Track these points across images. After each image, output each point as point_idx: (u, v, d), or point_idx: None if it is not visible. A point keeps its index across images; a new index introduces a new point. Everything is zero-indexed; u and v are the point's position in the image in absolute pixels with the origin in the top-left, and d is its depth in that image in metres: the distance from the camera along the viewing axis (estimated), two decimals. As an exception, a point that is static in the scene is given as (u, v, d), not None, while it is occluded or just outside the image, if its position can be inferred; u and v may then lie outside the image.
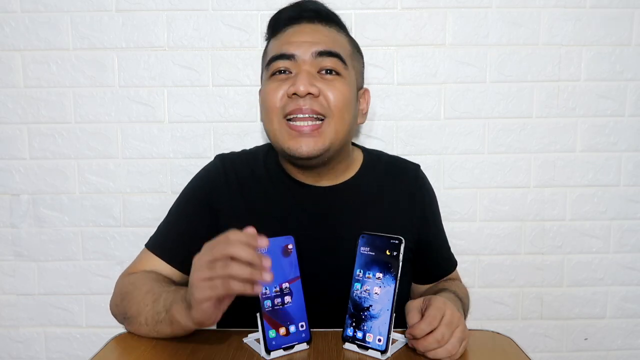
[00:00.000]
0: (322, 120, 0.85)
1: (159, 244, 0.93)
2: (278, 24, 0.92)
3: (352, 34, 1.22)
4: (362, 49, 1.22)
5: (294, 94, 0.83)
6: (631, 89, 1.27)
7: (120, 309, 0.85)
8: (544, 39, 1.25)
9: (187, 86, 1.24)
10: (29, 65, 1.23)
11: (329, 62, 0.86)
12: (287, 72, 0.87)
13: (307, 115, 0.84)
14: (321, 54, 0.85)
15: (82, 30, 1.23)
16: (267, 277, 0.63)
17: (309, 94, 0.83)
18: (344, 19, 1.14)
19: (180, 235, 0.92)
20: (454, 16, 1.24)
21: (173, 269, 0.91)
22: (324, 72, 0.86)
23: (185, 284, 0.92)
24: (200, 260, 0.67)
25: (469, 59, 1.25)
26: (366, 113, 0.99)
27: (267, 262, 0.63)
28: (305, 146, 0.84)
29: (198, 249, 0.91)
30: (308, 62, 0.85)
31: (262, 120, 0.94)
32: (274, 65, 0.87)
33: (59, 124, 1.25)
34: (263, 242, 0.65)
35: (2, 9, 1.22)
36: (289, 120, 0.85)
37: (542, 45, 1.25)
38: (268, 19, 0.93)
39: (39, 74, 1.24)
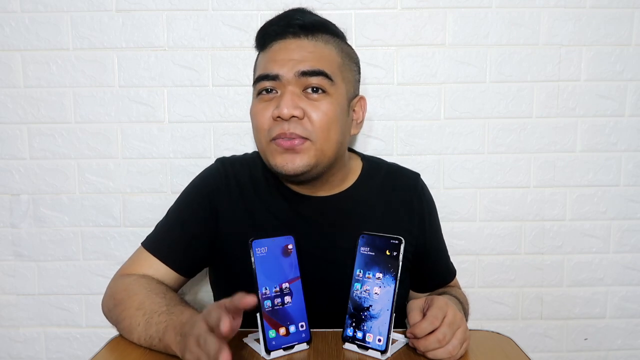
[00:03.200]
0: (307, 139, 0.84)
1: (156, 245, 0.92)
2: (264, 38, 0.90)
3: (352, 34, 1.22)
4: (362, 49, 1.23)
5: (279, 117, 0.83)
6: (631, 89, 1.27)
7: (112, 316, 0.85)
8: (544, 39, 1.25)
9: (187, 86, 1.24)
10: (29, 65, 1.23)
11: (314, 81, 0.85)
12: (273, 91, 0.86)
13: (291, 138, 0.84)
14: (305, 73, 0.84)
15: (82, 30, 1.23)
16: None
17: (293, 116, 0.83)
18: (344, 19, 1.14)
19: (179, 238, 0.92)
20: (454, 16, 1.24)
21: (169, 270, 0.90)
22: (309, 90, 0.85)
23: (178, 286, 0.92)
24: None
25: (469, 59, 1.25)
26: (361, 122, 0.96)
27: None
28: (290, 163, 0.84)
29: (196, 251, 0.92)
30: (292, 81, 0.84)
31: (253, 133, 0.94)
32: (260, 85, 0.87)
33: (59, 124, 1.25)
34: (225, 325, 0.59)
35: (2, 9, 1.22)
36: (275, 139, 0.85)
37: (542, 45, 1.25)
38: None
39: (39, 74, 1.24)
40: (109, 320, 0.87)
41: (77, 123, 1.25)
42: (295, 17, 0.88)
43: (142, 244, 0.93)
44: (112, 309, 0.85)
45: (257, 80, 0.88)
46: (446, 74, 1.25)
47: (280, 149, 0.85)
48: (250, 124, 1.24)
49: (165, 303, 0.78)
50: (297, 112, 0.83)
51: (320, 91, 0.85)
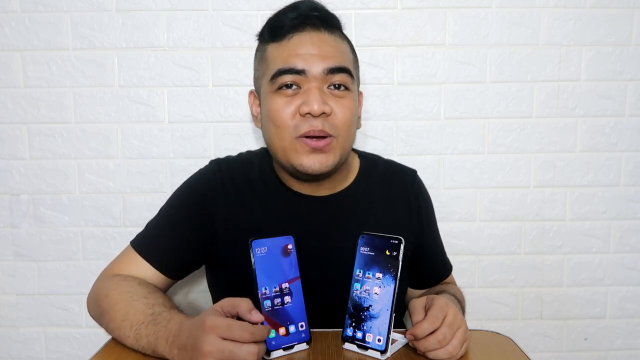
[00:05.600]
0: (332, 136, 0.84)
1: (145, 246, 0.91)
2: (280, 29, 0.86)
3: (352, 34, 1.23)
4: (362, 49, 1.23)
5: (308, 113, 0.81)
6: (631, 89, 1.27)
7: (101, 323, 0.84)
8: (544, 39, 1.25)
9: (187, 86, 1.24)
10: (29, 65, 1.23)
11: (338, 78, 0.84)
12: (294, 86, 0.84)
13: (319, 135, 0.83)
14: (332, 70, 0.83)
15: (82, 30, 1.23)
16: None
17: (323, 113, 0.82)
18: (344, 19, 1.14)
19: (169, 241, 0.90)
20: (454, 16, 1.24)
21: (157, 273, 0.89)
22: (332, 87, 0.84)
23: (166, 288, 0.91)
24: (212, 348, 0.63)
25: (469, 59, 1.25)
26: (360, 116, 0.96)
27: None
28: (318, 163, 0.83)
29: (186, 255, 0.91)
30: (318, 78, 0.83)
31: (261, 128, 0.92)
32: (281, 79, 0.83)
33: (59, 124, 1.25)
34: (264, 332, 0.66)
35: (2, 9, 1.22)
36: (302, 137, 0.83)
37: (542, 45, 1.25)
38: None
39: (39, 74, 1.24)
40: (95, 321, 0.86)
41: (77, 123, 1.25)
42: (308, 8, 0.86)
43: (131, 243, 0.92)
44: (98, 317, 0.84)
45: (278, 74, 0.83)
46: (446, 74, 1.25)
47: (308, 148, 0.83)
48: (250, 124, 1.25)
49: (150, 311, 0.76)
50: (326, 109, 0.82)
51: (342, 88, 0.85)
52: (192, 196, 0.94)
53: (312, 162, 0.83)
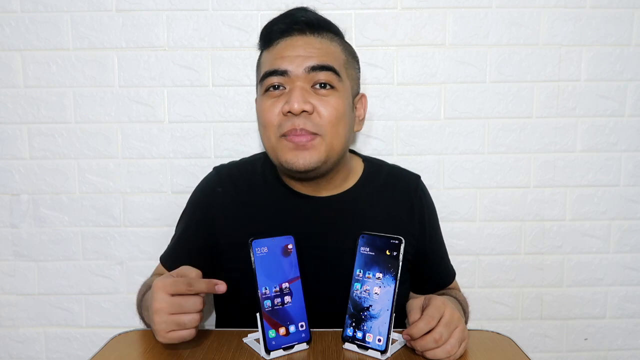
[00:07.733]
0: (317, 135, 0.85)
1: (166, 258, 0.99)
2: (270, 36, 0.91)
3: (352, 34, 1.23)
4: (362, 49, 1.23)
5: (289, 112, 0.83)
6: (631, 89, 1.27)
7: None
8: (544, 39, 1.25)
9: (187, 86, 1.24)
10: (29, 65, 1.23)
11: (322, 76, 0.85)
12: (280, 87, 0.87)
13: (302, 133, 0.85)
14: (314, 68, 0.85)
15: (82, 30, 1.23)
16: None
17: (304, 111, 0.83)
18: (344, 19, 1.15)
19: (184, 249, 0.97)
20: (454, 16, 1.24)
21: None
22: (317, 86, 0.86)
23: None
24: (162, 305, 0.70)
25: (469, 59, 1.25)
26: (363, 119, 0.98)
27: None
28: (302, 159, 0.84)
29: (199, 261, 0.93)
30: (301, 77, 0.85)
31: (259, 131, 0.95)
32: (268, 81, 0.87)
33: (59, 124, 1.25)
34: (221, 287, 0.71)
35: (2, 9, 1.22)
36: (285, 135, 0.86)
37: (542, 45, 1.25)
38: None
39: (39, 74, 1.24)
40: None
41: (77, 123, 1.25)
42: (299, 15, 0.89)
43: (159, 257, 1.01)
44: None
45: (265, 76, 0.87)
46: (446, 74, 1.25)
47: (291, 145, 0.85)
48: (250, 124, 1.25)
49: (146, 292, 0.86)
50: (307, 107, 0.83)
51: (328, 87, 0.86)
52: (197, 206, 0.98)
53: (295, 158, 0.85)
